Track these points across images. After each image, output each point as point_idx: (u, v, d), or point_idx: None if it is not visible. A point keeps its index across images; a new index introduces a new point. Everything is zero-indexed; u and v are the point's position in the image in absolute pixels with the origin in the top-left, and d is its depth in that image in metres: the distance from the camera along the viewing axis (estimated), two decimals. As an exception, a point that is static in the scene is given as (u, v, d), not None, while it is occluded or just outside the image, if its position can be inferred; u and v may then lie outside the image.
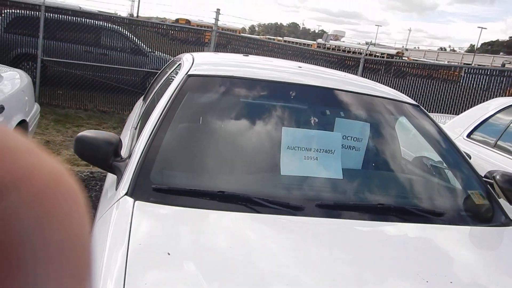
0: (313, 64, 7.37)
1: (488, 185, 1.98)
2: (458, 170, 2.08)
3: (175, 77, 2.20)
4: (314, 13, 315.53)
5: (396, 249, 1.52)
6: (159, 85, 2.67)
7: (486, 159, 3.43)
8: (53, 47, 7.47)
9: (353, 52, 37.22)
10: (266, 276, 1.23)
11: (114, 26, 8.30)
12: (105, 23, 8.29)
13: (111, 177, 1.85)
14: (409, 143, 2.29)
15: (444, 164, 2.12)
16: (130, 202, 1.48)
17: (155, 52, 8.35)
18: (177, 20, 41.36)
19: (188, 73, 2.06)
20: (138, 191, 1.53)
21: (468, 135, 3.88)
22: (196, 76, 2.08)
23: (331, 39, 61.12)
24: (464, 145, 3.76)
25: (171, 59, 6.62)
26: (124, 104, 7.84)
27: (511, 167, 3.30)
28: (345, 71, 6.96)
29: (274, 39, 48.97)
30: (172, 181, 1.67)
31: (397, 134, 2.25)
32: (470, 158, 3.56)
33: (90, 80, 7.71)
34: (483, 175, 2.01)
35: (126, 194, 1.53)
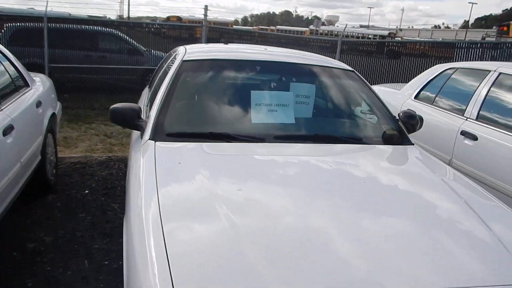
0: (299, 49, 8.20)
1: (399, 122, 2.86)
2: (380, 114, 2.94)
3: (173, 64, 3.05)
4: (307, 0, 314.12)
5: (328, 156, 2.39)
6: (161, 72, 3.52)
7: (427, 113, 4.28)
8: (56, 55, 8.18)
9: (343, 36, 37.85)
10: (249, 167, 2.16)
11: (110, 30, 9.09)
12: (102, 28, 9.08)
13: (136, 133, 2.71)
14: (345, 98, 3.13)
15: (370, 111, 2.98)
16: (152, 143, 2.34)
17: (150, 51, 9.11)
18: (168, 18, 41.68)
19: (183, 59, 2.93)
20: (156, 136, 2.39)
21: (415, 97, 4.74)
22: (189, 61, 2.94)
23: (324, 25, 61.53)
24: (411, 105, 4.62)
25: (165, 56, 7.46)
26: (127, 100, 8.62)
27: (444, 118, 4.16)
28: (324, 53, 7.80)
29: (267, 29, 49.41)
30: (177, 129, 2.53)
31: (336, 91, 3.10)
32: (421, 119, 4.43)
33: (94, 81, 8.50)
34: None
35: (149, 139, 2.39)
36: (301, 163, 2.31)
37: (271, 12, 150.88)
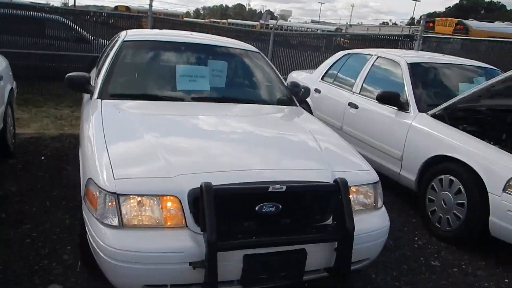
0: (240, 40, 9.15)
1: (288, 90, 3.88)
2: (277, 85, 3.91)
3: (116, 44, 3.87)
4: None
5: (237, 116, 3.33)
6: (106, 51, 4.32)
7: (328, 90, 5.33)
8: (4, 40, 8.43)
9: (291, 30, 39.23)
10: (168, 110, 3.07)
11: (58, 17, 9.50)
12: (50, 15, 9.48)
13: (86, 96, 3.53)
14: (252, 72, 4.08)
15: (270, 83, 3.95)
16: (99, 101, 3.18)
17: (98, 40, 9.62)
18: (116, 8, 41.13)
19: (124, 40, 3.76)
20: (103, 96, 3.24)
21: (322, 78, 5.79)
22: (129, 41, 3.78)
23: (275, 19, 62.44)
24: (319, 85, 5.68)
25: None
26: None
27: (339, 93, 5.23)
28: (260, 44, 8.79)
29: (219, 22, 49.85)
30: (118, 91, 3.36)
31: (245, 67, 4.05)
32: (319, 91, 5.48)
33: (42, 68, 8.84)
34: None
35: (97, 98, 3.22)
36: (207, 109, 3.33)
37: (224, 5, 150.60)
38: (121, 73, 3.55)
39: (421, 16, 8.93)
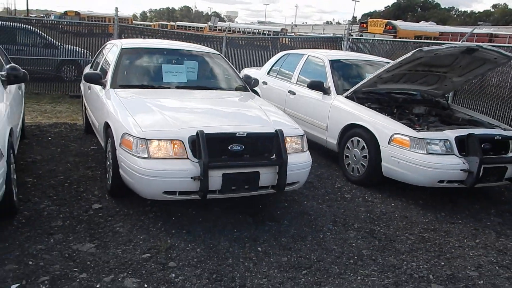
0: (196, 43, 10.58)
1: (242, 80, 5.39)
2: (234, 76, 5.42)
3: (115, 50, 5.22)
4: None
5: (207, 97, 4.79)
6: (104, 56, 5.65)
7: (273, 82, 6.91)
8: None
9: (238, 32, 40.92)
10: (161, 95, 4.45)
11: (28, 26, 10.55)
12: (22, 25, 10.51)
13: (97, 87, 4.87)
14: (215, 68, 5.56)
15: (229, 76, 5.45)
16: (112, 89, 4.56)
17: (64, 45, 10.73)
18: (65, 13, 41.04)
19: (122, 47, 5.13)
20: (113, 86, 4.62)
21: (267, 73, 7.38)
22: (126, 48, 5.16)
23: (223, 21, 64.05)
24: (266, 78, 7.25)
25: (78, 50, 9.37)
26: (50, 86, 10.27)
27: (281, 83, 6.81)
28: (214, 46, 10.25)
29: (167, 25, 50.63)
30: (124, 83, 4.74)
31: (210, 65, 5.53)
32: (266, 83, 7.03)
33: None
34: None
35: (110, 88, 4.60)
36: (188, 94, 4.76)
37: (171, 8, 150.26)
38: (123, 70, 4.93)
39: (350, 19, 10.74)
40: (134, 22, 45.54)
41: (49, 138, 6.20)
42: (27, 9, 44.93)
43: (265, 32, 43.66)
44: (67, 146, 5.87)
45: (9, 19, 10.51)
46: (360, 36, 19.75)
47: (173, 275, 3.02)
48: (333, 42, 10.62)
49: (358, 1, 79.06)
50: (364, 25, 21.82)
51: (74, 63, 10.77)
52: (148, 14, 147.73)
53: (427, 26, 24.57)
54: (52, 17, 41.97)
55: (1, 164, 3.13)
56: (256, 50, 11.20)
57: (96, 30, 11.82)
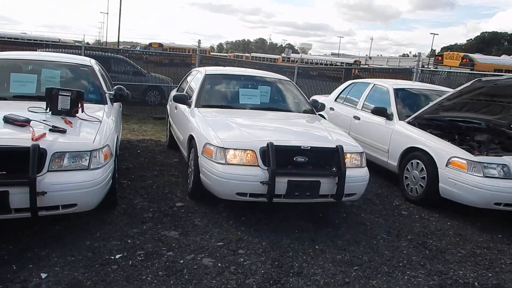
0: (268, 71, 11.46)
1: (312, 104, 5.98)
2: (302, 101, 6.02)
3: (199, 76, 6.06)
4: (281, 28, 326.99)
5: (278, 117, 5.43)
6: (189, 81, 6.53)
7: (340, 108, 7.42)
8: None
9: (311, 63, 41.81)
10: (239, 114, 5.15)
11: (121, 56, 11.98)
12: (114, 54, 11.97)
13: (183, 106, 5.70)
14: (286, 93, 6.19)
15: (298, 100, 6.06)
16: (196, 109, 5.34)
17: (150, 73, 12.02)
18: (150, 45, 44.61)
19: (206, 73, 5.96)
20: (197, 105, 5.41)
21: (335, 100, 7.90)
22: (210, 74, 5.98)
23: (297, 52, 65.70)
24: (333, 104, 7.77)
25: (161, 77, 10.54)
26: (137, 108, 11.48)
27: (347, 109, 7.29)
28: (287, 75, 10.97)
29: (241, 56, 53.07)
30: (206, 103, 5.52)
31: (282, 90, 6.17)
32: (333, 109, 7.57)
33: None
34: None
35: (194, 107, 5.39)
36: (260, 114, 5.41)
37: (246, 40, 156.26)
38: (206, 92, 5.73)
39: (418, 53, 11.01)
40: (211, 53, 48.17)
41: (138, 151, 7.14)
42: (118, 41, 49.17)
43: (337, 63, 44.13)
44: (153, 157, 6.76)
45: (106, 50, 11.98)
46: (435, 68, 19.64)
47: (242, 259, 3.59)
48: (403, 74, 10.96)
49: (437, 34, 76.89)
50: (440, 58, 21.67)
51: (158, 89, 12.02)
52: (225, 46, 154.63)
53: (508, 60, 23.75)
54: (138, 48, 45.92)
55: (111, 162, 3.93)
56: (328, 81, 11.78)
57: (176, 60, 13.15)
